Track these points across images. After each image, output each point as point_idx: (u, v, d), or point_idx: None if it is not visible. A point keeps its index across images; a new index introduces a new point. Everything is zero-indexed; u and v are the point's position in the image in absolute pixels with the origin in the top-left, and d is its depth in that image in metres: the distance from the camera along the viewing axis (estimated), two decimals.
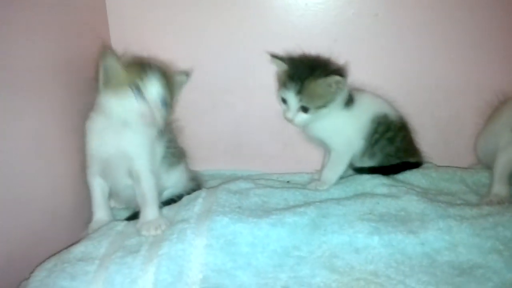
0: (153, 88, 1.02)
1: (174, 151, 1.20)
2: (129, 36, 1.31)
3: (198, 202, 1.09)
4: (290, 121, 1.18)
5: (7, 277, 0.89)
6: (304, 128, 1.24)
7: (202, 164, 1.37)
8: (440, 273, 0.89)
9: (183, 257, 0.91)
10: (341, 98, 1.19)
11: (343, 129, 1.23)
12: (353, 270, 0.91)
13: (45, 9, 1.05)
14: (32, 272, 0.90)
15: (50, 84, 1.06)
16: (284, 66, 1.19)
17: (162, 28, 1.36)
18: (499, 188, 1.12)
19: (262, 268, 0.92)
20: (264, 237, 0.97)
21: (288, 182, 1.33)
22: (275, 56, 1.21)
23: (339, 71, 1.18)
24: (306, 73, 1.15)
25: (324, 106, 1.17)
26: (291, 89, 1.15)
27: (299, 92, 1.15)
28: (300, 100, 1.15)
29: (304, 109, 1.16)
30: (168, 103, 1.05)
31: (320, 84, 1.14)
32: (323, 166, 1.32)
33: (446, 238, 0.96)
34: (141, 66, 1.03)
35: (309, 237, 0.98)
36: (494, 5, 1.29)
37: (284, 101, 1.18)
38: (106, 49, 1.03)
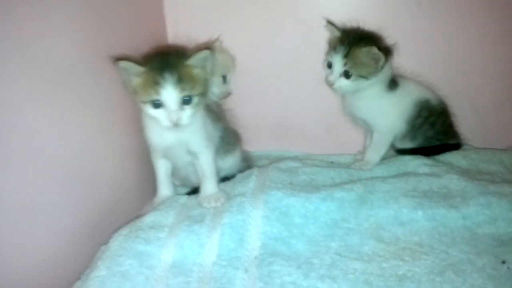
0: (169, 96, 1.02)
1: (229, 140, 1.28)
2: (186, 24, 1.41)
3: (252, 179, 1.19)
4: (331, 84, 1.24)
5: (87, 242, 1.01)
6: (347, 106, 1.31)
7: (251, 145, 1.46)
8: (481, 244, 0.97)
9: (243, 227, 1.01)
10: (384, 76, 1.25)
11: (387, 111, 1.29)
12: (399, 240, 0.99)
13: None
14: (110, 238, 1.02)
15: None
16: (337, 33, 1.26)
17: (216, 16, 1.44)
18: None
19: (314, 237, 1.01)
20: (315, 210, 1.06)
21: (332, 162, 1.41)
22: (330, 23, 1.28)
23: (386, 48, 1.24)
24: (356, 40, 1.22)
25: (365, 77, 1.22)
26: (339, 52, 1.22)
27: (345, 56, 1.21)
28: (345, 64, 1.21)
29: (347, 75, 1.22)
30: (193, 95, 1.04)
31: (365, 52, 1.20)
32: (365, 148, 1.39)
33: (487, 213, 1.03)
34: (153, 77, 1.02)
35: (356, 210, 1.07)
36: None
37: (329, 66, 1.25)
38: (116, 62, 1.02)
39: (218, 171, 1.25)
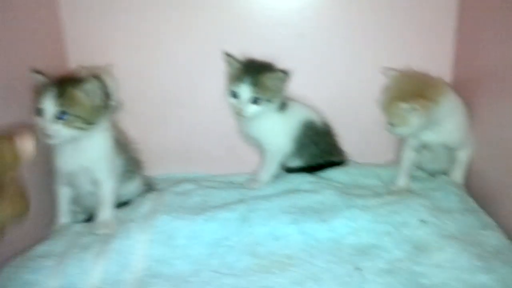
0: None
1: (131, 167, 1.34)
2: (86, 50, 1.48)
3: (146, 204, 1.27)
4: (240, 111, 1.31)
5: None
6: (244, 127, 1.41)
7: (155, 169, 1.54)
8: (343, 254, 1.08)
9: (129, 251, 1.08)
10: (279, 98, 1.37)
11: (277, 130, 1.40)
12: (272, 254, 1.09)
13: None
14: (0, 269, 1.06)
15: None
16: (237, 64, 1.35)
17: (113, 40, 1.51)
18: (400, 180, 1.33)
19: (196, 257, 1.09)
20: (199, 231, 1.15)
21: (231, 182, 1.51)
22: (229, 55, 1.36)
23: (284, 71, 1.35)
24: (259, 68, 1.32)
25: (270, 100, 1.32)
26: (246, 81, 1.30)
27: (253, 84, 1.30)
28: (253, 91, 1.30)
29: (255, 101, 1.31)
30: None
31: (270, 77, 1.31)
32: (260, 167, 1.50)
33: (351, 225, 1.15)
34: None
35: (238, 229, 1.17)
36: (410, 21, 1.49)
37: (234, 95, 1.33)
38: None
39: (118, 197, 1.31)
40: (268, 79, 1.31)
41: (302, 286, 0.98)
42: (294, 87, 1.45)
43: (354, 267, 1.03)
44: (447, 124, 1.26)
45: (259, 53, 1.42)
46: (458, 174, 1.35)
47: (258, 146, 1.46)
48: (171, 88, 1.55)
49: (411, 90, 1.23)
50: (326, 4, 1.49)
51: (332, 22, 1.50)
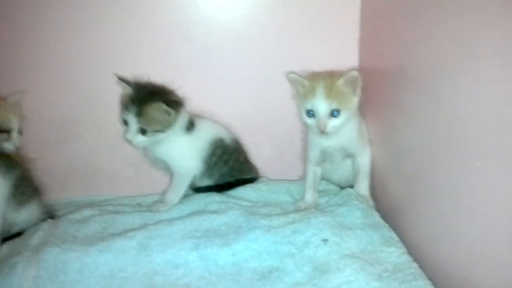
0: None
1: (25, 190, 1.25)
2: None
3: (37, 235, 1.17)
4: (129, 142, 1.28)
5: None
6: (148, 151, 1.35)
7: (58, 193, 1.45)
8: (244, 279, 1.03)
9: None
10: (180, 124, 1.31)
11: (184, 153, 1.35)
12: (170, 285, 1.03)
13: None
14: None
15: None
16: (129, 89, 1.29)
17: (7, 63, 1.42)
18: (307, 195, 1.32)
19: None
20: (92, 263, 1.07)
21: (138, 204, 1.44)
22: (121, 79, 1.30)
23: (175, 101, 1.30)
24: (145, 98, 1.26)
25: (161, 130, 1.28)
26: (131, 111, 1.25)
27: (138, 114, 1.25)
28: (138, 122, 1.25)
29: (143, 131, 1.27)
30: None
31: (155, 109, 1.25)
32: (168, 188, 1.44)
33: (253, 247, 1.11)
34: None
35: (135, 258, 1.09)
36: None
37: (125, 123, 1.28)
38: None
39: (10, 226, 1.21)
40: (152, 110, 1.26)
41: None
42: (203, 103, 1.42)
43: None
44: (345, 127, 1.25)
45: (165, 71, 1.37)
46: (362, 185, 1.34)
47: (165, 168, 1.40)
48: (71, 107, 1.47)
49: (336, 73, 1.22)
50: (231, 18, 1.46)
51: (239, 35, 1.47)
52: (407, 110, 1.13)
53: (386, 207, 1.25)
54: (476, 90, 0.82)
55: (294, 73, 1.26)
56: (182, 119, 1.32)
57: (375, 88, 1.31)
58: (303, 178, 1.44)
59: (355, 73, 1.20)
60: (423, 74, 1.03)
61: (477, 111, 0.82)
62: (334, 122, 1.21)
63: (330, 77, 1.22)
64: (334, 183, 1.43)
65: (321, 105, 1.20)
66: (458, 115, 0.88)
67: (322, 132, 1.21)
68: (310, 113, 1.22)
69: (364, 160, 1.33)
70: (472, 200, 0.85)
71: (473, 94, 0.83)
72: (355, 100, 1.23)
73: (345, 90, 1.20)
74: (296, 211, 1.26)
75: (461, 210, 0.89)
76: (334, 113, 1.20)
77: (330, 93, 1.19)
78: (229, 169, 1.40)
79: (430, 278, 0.96)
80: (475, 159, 0.83)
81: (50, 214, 1.34)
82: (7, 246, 1.16)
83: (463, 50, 0.86)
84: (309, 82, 1.23)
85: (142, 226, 1.21)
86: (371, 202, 1.31)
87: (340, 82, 1.20)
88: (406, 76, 1.12)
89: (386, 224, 1.17)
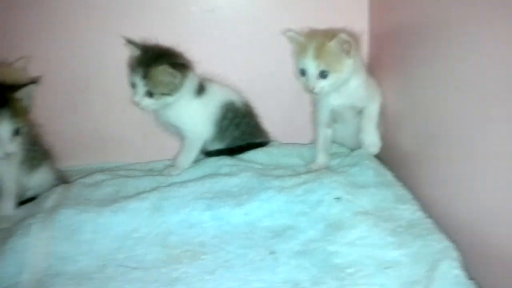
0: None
1: (35, 154, 1.26)
2: None
3: (51, 198, 1.18)
4: (137, 105, 1.27)
5: None
6: (159, 115, 1.35)
7: (70, 161, 1.45)
8: (257, 237, 1.04)
9: (28, 250, 0.99)
10: (188, 88, 1.30)
11: (195, 117, 1.35)
12: (184, 244, 1.03)
13: None
14: None
15: None
16: (137, 52, 1.28)
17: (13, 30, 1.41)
18: (319, 157, 1.31)
19: (102, 252, 1.02)
20: (106, 223, 1.08)
21: (150, 170, 1.44)
22: (130, 41, 1.29)
23: (182, 64, 1.29)
24: (152, 60, 1.25)
25: (168, 93, 1.27)
26: (138, 73, 1.25)
27: (144, 77, 1.24)
28: (145, 84, 1.25)
29: (150, 94, 1.26)
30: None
31: (161, 72, 1.24)
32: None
33: (266, 207, 1.11)
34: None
35: (148, 219, 1.10)
36: None
37: (133, 86, 1.27)
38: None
39: (24, 190, 1.23)
40: (158, 73, 1.25)
41: (213, 275, 0.93)
42: (211, 66, 1.40)
43: (268, 251, 0.99)
44: (353, 82, 1.24)
45: (171, 33, 1.36)
46: (368, 128, 1.30)
47: (176, 133, 1.39)
48: (78, 72, 1.45)
49: (332, 33, 1.20)
50: None
51: None
52: (422, 66, 1.11)
53: (398, 163, 1.24)
54: (495, 45, 0.80)
55: (291, 30, 1.25)
56: (190, 83, 1.31)
57: (387, 46, 1.29)
58: (314, 141, 1.43)
59: (344, 35, 1.17)
60: (438, 30, 1.01)
61: (496, 67, 0.80)
62: (322, 83, 1.20)
63: (323, 37, 1.20)
64: (345, 146, 1.42)
65: (310, 65, 1.19)
66: (475, 71, 0.86)
67: (311, 92, 1.21)
68: (302, 72, 1.22)
69: (371, 108, 1.30)
70: (488, 157, 0.84)
71: (492, 50, 0.81)
72: (348, 63, 1.20)
73: (335, 51, 1.19)
74: (307, 172, 1.26)
75: (477, 166, 0.88)
76: (323, 74, 1.19)
77: (319, 54, 1.18)
78: (241, 133, 1.40)
79: (445, 233, 0.95)
80: (492, 114, 0.82)
81: (62, 180, 1.35)
82: (22, 210, 1.17)
83: (482, 4, 0.84)
84: (304, 40, 1.21)
85: (155, 189, 1.21)
86: (378, 145, 1.30)
87: (331, 43, 1.18)
88: (421, 31, 1.10)
89: (399, 183, 1.17)
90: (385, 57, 1.30)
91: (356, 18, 1.41)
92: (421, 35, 1.10)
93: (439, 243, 0.91)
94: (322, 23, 1.32)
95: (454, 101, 0.95)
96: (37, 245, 1.01)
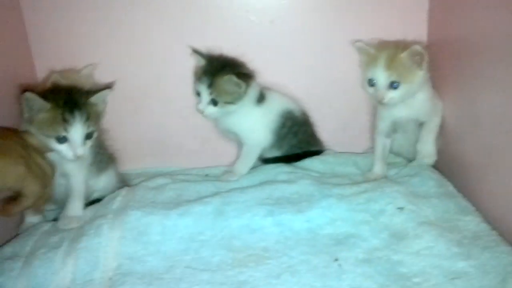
0: (76, 133, 1.12)
1: (102, 158, 1.31)
2: (52, 57, 1.43)
3: (117, 200, 1.22)
4: (201, 112, 1.31)
5: None
6: (219, 122, 1.38)
7: (129, 164, 1.51)
8: (320, 245, 1.05)
9: (99, 249, 1.04)
10: (250, 97, 1.34)
11: (255, 124, 1.38)
12: (248, 248, 1.06)
13: None
14: None
15: None
16: (202, 61, 1.33)
17: (79, 38, 1.47)
18: (376, 167, 1.32)
19: (170, 253, 1.05)
20: (172, 226, 1.11)
21: (206, 175, 1.48)
22: (196, 51, 1.34)
23: (246, 73, 1.32)
24: (217, 70, 1.29)
25: (231, 102, 1.30)
26: (204, 82, 1.29)
27: (210, 86, 1.28)
28: (211, 93, 1.29)
29: (214, 102, 1.30)
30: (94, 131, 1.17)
31: (226, 81, 1.28)
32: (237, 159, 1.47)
33: (327, 214, 1.12)
34: (62, 115, 1.11)
35: (212, 223, 1.13)
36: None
37: (198, 94, 1.32)
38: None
39: (91, 192, 1.28)
40: (223, 82, 1.28)
41: (278, 279, 0.95)
42: (269, 75, 1.43)
43: (332, 258, 1.00)
44: (420, 95, 1.25)
45: (231, 43, 1.39)
46: (426, 139, 1.30)
47: (235, 139, 1.43)
48: (141, 79, 1.49)
49: (403, 44, 1.21)
50: None
51: (304, 6, 1.46)
52: (483, 77, 1.11)
53: (459, 175, 1.23)
54: None
55: (361, 41, 1.26)
56: (252, 92, 1.34)
57: (447, 57, 1.28)
58: (369, 151, 1.44)
59: (418, 47, 1.18)
60: (499, 41, 1.01)
61: None
62: (392, 94, 1.20)
63: (395, 48, 1.21)
64: (401, 156, 1.42)
65: (381, 76, 1.20)
66: None
67: (380, 102, 1.21)
68: (371, 83, 1.23)
69: (431, 124, 1.30)
70: None
71: None
72: (419, 74, 1.21)
73: (407, 63, 1.19)
74: (366, 181, 1.26)
75: None
76: (393, 85, 1.19)
77: (391, 64, 1.19)
78: (298, 141, 1.42)
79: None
80: None
81: (125, 183, 1.40)
82: (89, 211, 1.22)
83: None
84: (374, 51, 1.22)
85: (216, 194, 1.24)
86: (434, 157, 1.30)
87: (404, 55, 1.19)
88: (483, 44, 1.10)
89: (461, 194, 1.16)
90: (444, 68, 1.29)
91: (415, 28, 1.41)
92: (482, 46, 1.10)
93: (509, 255, 0.91)
94: (379, 32, 1.34)
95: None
96: (108, 245, 1.06)
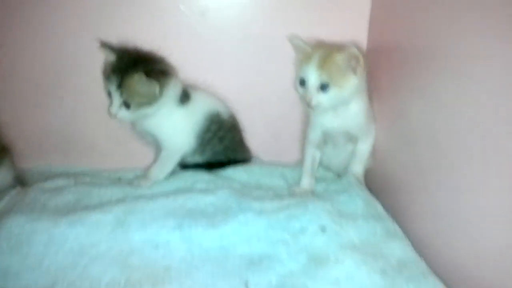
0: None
1: None
2: None
3: (3, 201, 1.05)
4: (113, 117, 1.15)
5: None
6: (136, 124, 1.23)
7: (31, 160, 1.33)
8: (231, 266, 0.92)
9: None
10: (170, 97, 1.19)
11: (177, 127, 1.23)
12: (147, 266, 0.91)
13: None
14: None
15: None
16: (112, 57, 1.15)
17: None
18: (304, 180, 1.21)
19: (53, 267, 0.89)
20: (60, 236, 0.95)
21: (119, 178, 1.32)
22: (105, 45, 1.16)
23: (161, 71, 1.16)
24: (128, 67, 1.12)
25: (146, 104, 1.14)
26: (113, 82, 1.12)
27: (119, 86, 1.12)
28: (121, 95, 1.12)
29: (127, 105, 1.14)
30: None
31: (136, 80, 1.11)
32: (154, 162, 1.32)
33: (243, 231, 1.00)
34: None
35: (110, 234, 0.98)
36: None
37: (109, 94, 1.15)
38: None
39: None
40: (134, 82, 1.12)
41: None
42: (196, 73, 1.30)
43: (242, 281, 0.87)
44: (353, 106, 1.15)
45: (157, 34, 1.26)
46: (356, 167, 1.24)
47: (153, 142, 1.28)
48: (51, 66, 1.32)
49: (342, 46, 1.10)
50: None
51: (240, 1, 1.33)
52: (413, 93, 1.04)
53: (387, 194, 1.15)
54: (492, 72, 0.73)
55: (298, 38, 1.15)
56: (172, 91, 1.19)
57: (382, 65, 1.20)
58: (299, 163, 1.33)
59: (355, 50, 1.07)
60: (436, 53, 0.94)
61: (491, 97, 0.74)
62: (321, 97, 1.10)
63: (332, 48, 1.11)
64: (332, 171, 1.32)
65: (311, 75, 1.09)
66: (467, 101, 0.80)
67: (308, 105, 1.11)
68: (302, 82, 1.12)
69: (364, 146, 1.23)
70: (484, 194, 0.77)
71: (488, 76, 0.74)
72: (352, 80, 1.10)
73: (342, 65, 1.09)
74: (291, 196, 1.15)
75: (474, 205, 0.80)
76: (323, 88, 1.09)
77: (324, 64, 1.08)
78: (223, 147, 1.29)
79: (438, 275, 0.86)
80: (486, 146, 0.75)
81: (21, 182, 1.22)
82: None
83: (480, 28, 0.77)
84: (310, 49, 1.12)
85: (121, 200, 1.09)
86: (362, 181, 1.23)
87: (339, 56, 1.08)
88: (418, 54, 1.02)
89: (389, 216, 1.07)
90: (379, 79, 1.21)
91: (355, 34, 1.32)
92: (417, 56, 1.03)
93: None
94: (318, 35, 1.23)
95: (445, 132, 0.89)
96: None
